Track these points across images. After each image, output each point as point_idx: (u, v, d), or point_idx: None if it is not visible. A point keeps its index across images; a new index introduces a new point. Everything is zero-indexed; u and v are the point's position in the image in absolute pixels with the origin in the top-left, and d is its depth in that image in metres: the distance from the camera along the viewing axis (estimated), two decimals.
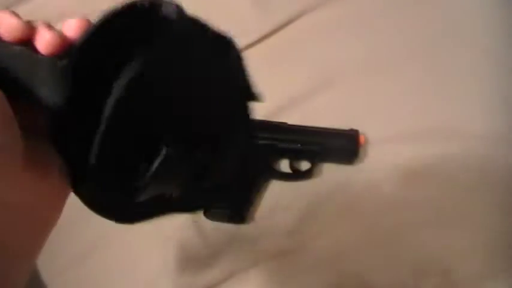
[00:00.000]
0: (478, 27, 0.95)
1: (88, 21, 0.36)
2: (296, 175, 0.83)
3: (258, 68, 0.91)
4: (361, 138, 0.82)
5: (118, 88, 0.33)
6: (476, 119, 0.87)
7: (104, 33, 0.34)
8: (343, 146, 0.82)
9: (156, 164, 0.36)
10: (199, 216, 0.79)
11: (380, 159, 0.84)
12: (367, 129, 0.85)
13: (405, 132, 0.86)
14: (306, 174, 0.83)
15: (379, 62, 0.93)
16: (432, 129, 0.86)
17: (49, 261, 0.75)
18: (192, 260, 0.77)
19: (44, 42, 0.35)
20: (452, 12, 0.97)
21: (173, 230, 0.79)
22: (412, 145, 0.84)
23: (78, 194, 0.37)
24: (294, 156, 0.84)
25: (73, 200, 0.35)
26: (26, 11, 0.99)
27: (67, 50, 0.35)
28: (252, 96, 0.43)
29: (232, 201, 0.79)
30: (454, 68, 0.91)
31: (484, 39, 0.94)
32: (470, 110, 0.87)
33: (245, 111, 0.44)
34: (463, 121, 0.86)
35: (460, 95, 0.88)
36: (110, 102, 0.33)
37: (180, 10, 0.35)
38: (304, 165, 0.84)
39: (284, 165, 0.85)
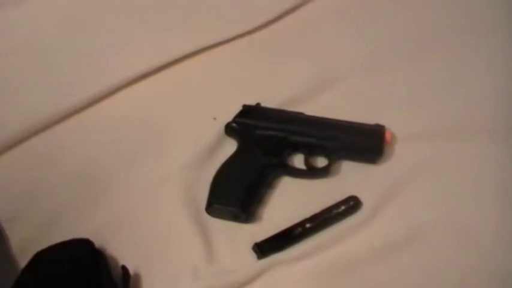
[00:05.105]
0: (495, 21, 0.95)
1: None
2: (311, 172, 0.80)
3: (274, 52, 0.92)
4: (387, 135, 0.79)
5: None
6: (496, 116, 0.84)
7: None
8: (367, 143, 0.79)
9: None
10: None
11: (404, 157, 0.80)
12: (391, 125, 0.81)
13: (427, 130, 0.84)
14: (322, 172, 0.79)
15: (393, 56, 0.92)
16: (451, 127, 0.84)
17: None
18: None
19: None
20: (469, 4, 0.97)
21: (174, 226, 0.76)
22: (433, 143, 0.82)
23: None
24: (310, 151, 0.80)
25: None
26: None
27: None
28: None
29: (238, 197, 0.75)
30: (472, 63, 0.90)
31: (502, 32, 0.94)
32: (489, 107, 0.85)
33: None
34: (481, 119, 0.85)
35: (478, 92, 0.87)
36: None
37: None
38: (321, 162, 0.81)
39: (298, 161, 0.81)
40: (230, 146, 0.81)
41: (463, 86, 0.87)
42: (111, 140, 0.85)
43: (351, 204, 0.75)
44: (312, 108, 0.83)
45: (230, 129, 0.81)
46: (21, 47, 0.93)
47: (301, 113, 0.82)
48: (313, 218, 0.74)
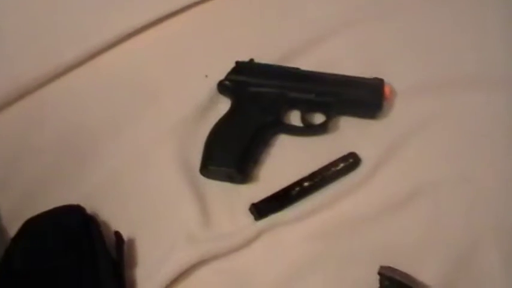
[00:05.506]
0: None
1: None
2: (308, 129, 0.79)
3: (267, 7, 0.95)
4: (387, 89, 0.78)
5: None
6: (505, 66, 0.83)
7: None
8: (365, 98, 0.77)
9: None
10: None
11: (404, 112, 0.79)
12: (390, 78, 0.80)
13: (430, 82, 0.82)
14: (320, 129, 0.78)
15: (399, 5, 0.90)
16: (454, 79, 0.83)
17: None
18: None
19: None
20: None
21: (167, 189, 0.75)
22: (434, 97, 0.81)
23: None
24: (307, 107, 0.79)
25: None
26: None
27: None
28: None
29: (233, 157, 0.73)
30: (480, 14, 0.89)
31: None
32: (496, 56, 0.84)
33: None
34: (489, 69, 0.83)
35: (486, 41, 0.86)
36: None
37: None
38: (318, 118, 0.79)
39: (295, 118, 0.80)
40: (223, 105, 0.79)
41: (471, 35, 0.86)
42: (98, 101, 0.83)
43: (350, 162, 0.73)
44: (308, 63, 0.81)
45: (223, 87, 0.80)
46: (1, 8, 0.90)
47: (297, 68, 0.80)
48: (311, 177, 0.73)
